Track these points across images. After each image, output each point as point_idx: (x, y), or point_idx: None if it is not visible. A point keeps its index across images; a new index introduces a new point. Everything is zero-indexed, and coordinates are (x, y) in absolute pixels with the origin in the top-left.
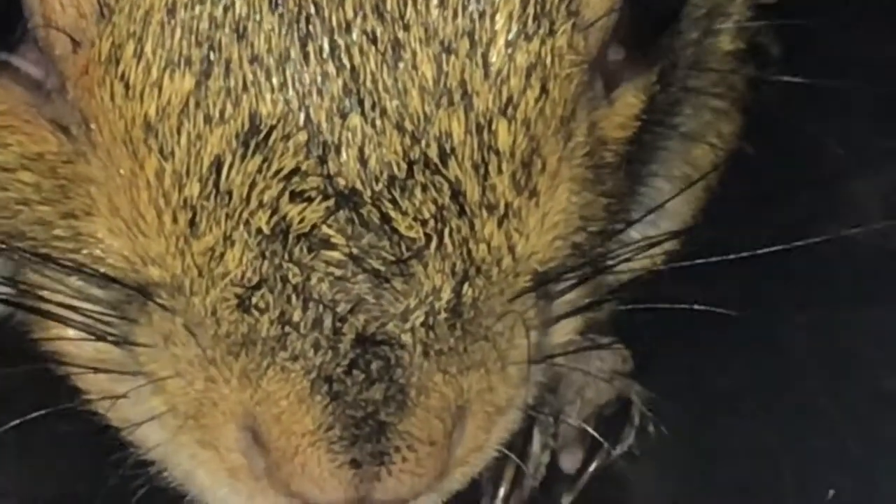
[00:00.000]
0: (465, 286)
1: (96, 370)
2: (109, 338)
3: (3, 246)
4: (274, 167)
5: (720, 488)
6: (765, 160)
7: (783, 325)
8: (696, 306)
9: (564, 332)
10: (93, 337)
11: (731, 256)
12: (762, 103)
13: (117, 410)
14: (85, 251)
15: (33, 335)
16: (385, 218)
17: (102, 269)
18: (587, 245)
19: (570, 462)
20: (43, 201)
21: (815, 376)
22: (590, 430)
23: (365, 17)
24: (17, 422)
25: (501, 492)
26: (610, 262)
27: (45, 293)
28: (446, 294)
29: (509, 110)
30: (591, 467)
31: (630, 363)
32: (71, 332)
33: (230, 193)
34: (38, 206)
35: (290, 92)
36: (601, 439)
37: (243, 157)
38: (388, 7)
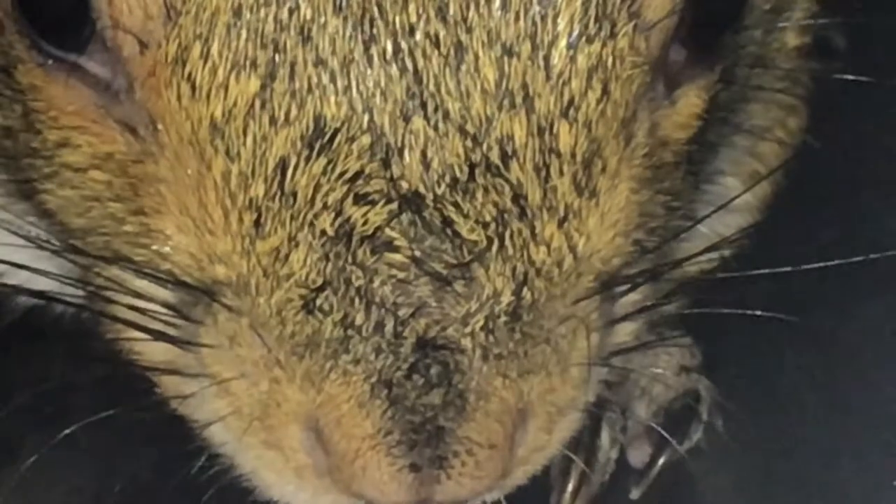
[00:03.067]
0: (526, 289)
1: (163, 371)
2: (175, 339)
3: (74, 245)
4: (338, 169)
5: (786, 484)
6: (829, 157)
7: (849, 322)
8: (760, 313)
9: (627, 331)
10: (159, 338)
11: (803, 267)
12: (826, 99)
13: (188, 410)
14: (154, 247)
15: (104, 334)
16: (447, 221)
17: (169, 266)
18: (650, 243)
19: (637, 457)
20: (114, 198)
21: (881, 373)
22: (658, 424)
23: (428, 20)
24: (90, 420)
25: (570, 486)
26: (676, 260)
27: (111, 295)
28: (506, 297)
29: (571, 112)
30: (659, 462)
31: (698, 358)
32: (140, 334)
33: (295, 195)
34: (110, 203)
35: (354, 94)
36: (667, 436)
37: (308, 158)
38: (451, 10)
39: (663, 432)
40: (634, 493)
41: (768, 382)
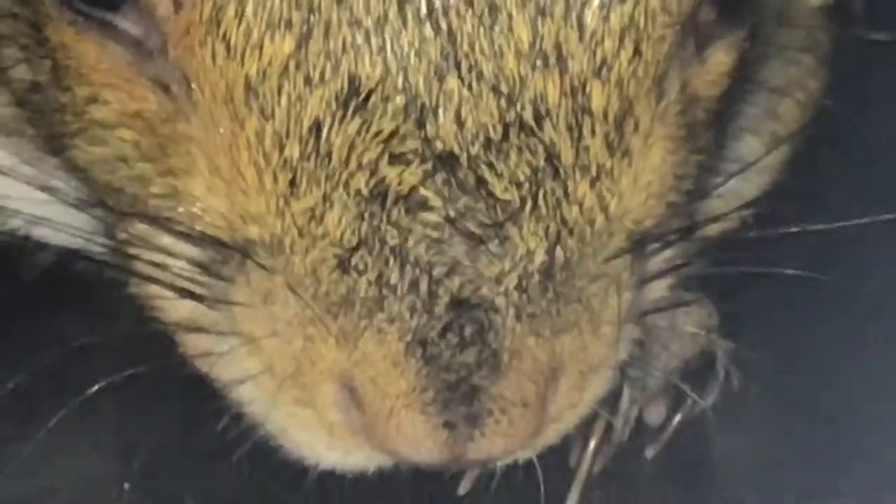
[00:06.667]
0: (558, 248)
1: (190, 329)
2: (203, 298)
3: (102, 202)
4: (373, 129)
5: (803, 444)
6: (848, 118)
7: (869, 281)
8: (780, 270)
9: (657, 290)
10: (185, 296)
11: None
12: (845, 60)
13: (214, 369)
14: (181, 209)
15: (126, 293)
16: (481, 181)
17: (199, 227)
18: (681, 204)
19: (654, 415)
20: (142, 158)
21: None
22: (676, 381)
23: None
24: (113, 379)
25: (592, 445)
26: (707, 219)
27: (137, 252)
28: (539, 257)
29: (603, 72)
30: (675, 421)
31: (715, 318)
32: (165, 291)
33: (330, 155)
34: (137, 163)
35: (389, 54)
36: (688, 391)
37: (342, 119)
38: None
39: (683, 386)
40: (650, 452)
41: (786, 342)
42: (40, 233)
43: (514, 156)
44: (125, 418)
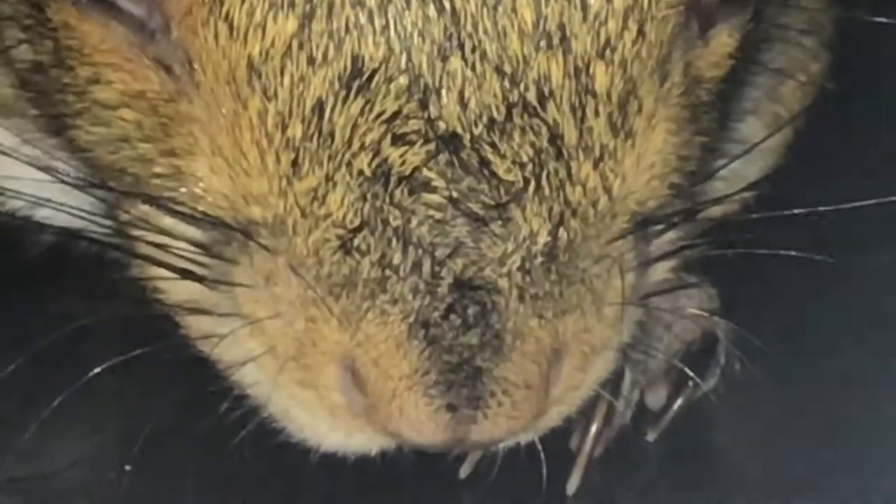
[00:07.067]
0: (562, 229)
1: (192, 310)
2: (205, 279)
3: (104, 182)
4: (376, 110)
5: (804, 427)
6: (852, 101)
7: (869, 264)
8: (785, 252)
9: (661, 272)
10: (186, 277)
11: (824, 208)
12: (846, 43)
13: (215, 350)
14: (184, 189)
15: (129, 274)
16: (484, 161)
17: (201, 208)
18: (684, 185)
19: (655, 399)
20: (144, 139)
21: None
22: (678, 364)
23: None
24: (114, 361)
25: (594, 428)
26: (710, 200)
27: (138, 233)
28: (543, 238)
29: (607, 53)
30: (677, 404)
31: (716, 301)
32: (166, 272)
33: (332, 135)
34: (140, 144)
35: (392, 35)
36: (690, 373)
37: (345, 99)
38: None
39: (686, 369)
40: (651, 435)
41: (788, 325)
42: (41, 214)
43: (517, 136)
44: (126, 401)
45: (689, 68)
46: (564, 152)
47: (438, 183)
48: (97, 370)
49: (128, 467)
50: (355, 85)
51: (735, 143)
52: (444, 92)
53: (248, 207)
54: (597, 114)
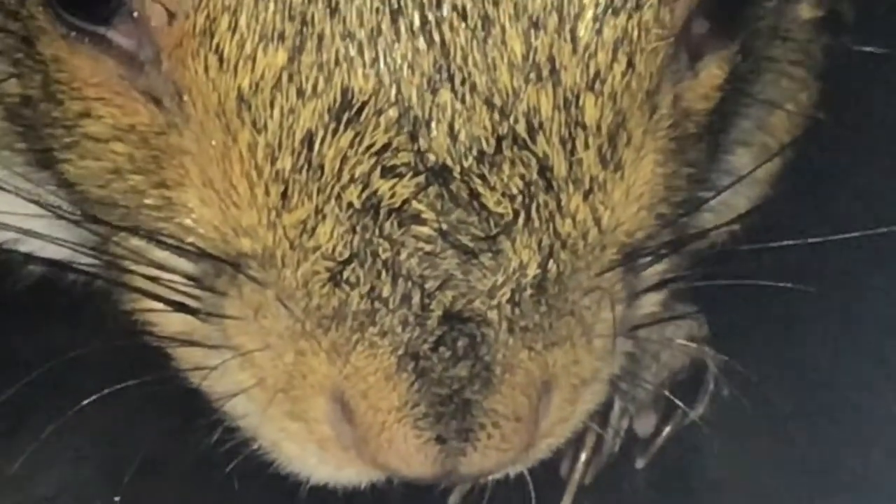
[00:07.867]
0: (551, 261)
1: (183, 343)
2: (197, 311)
3: (92, 216)
4: (366, 142)
5: (793, 455)
6: (839, 130)
7: (859, 294)
8: (773, 283)
9: (649, 303)
10: (179, 309)
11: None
12: (836, 72)
13: (206, 382)
14: (175, 220)
15: (118, 305)
16: (474, 193)
17: (192, 239)
18: (672, 216)
19: (644, 426)
20: (135, 171)
21: (893, 343)
22: (666, 393)
23: None
24: (102, 393)
25: (583, 456)
26: (699, 231)
27: (130, 265)
28: (532, 270)
29: (596, 85)
30: (665, 431)
31: (705, 329)
32: (158, 304)
33: (322, 167)
34: (131, 176)
35: (382, 67)
36: (678, 402)
37: (335, 131)
38: None
39: (672, 397)
40: (640, 463)
41: (776, 354)
42: (29, 246)
43: (507, 169)
44: (115, 431)
45: (678, 100)
46: (554, 184)
47: (428, 215)
48: (86, 402)
49: (117, 498)
50: (345, 117)
51: (724, 174)
52: (433, 124)
53: (237, 239)
54: (586, 146)
